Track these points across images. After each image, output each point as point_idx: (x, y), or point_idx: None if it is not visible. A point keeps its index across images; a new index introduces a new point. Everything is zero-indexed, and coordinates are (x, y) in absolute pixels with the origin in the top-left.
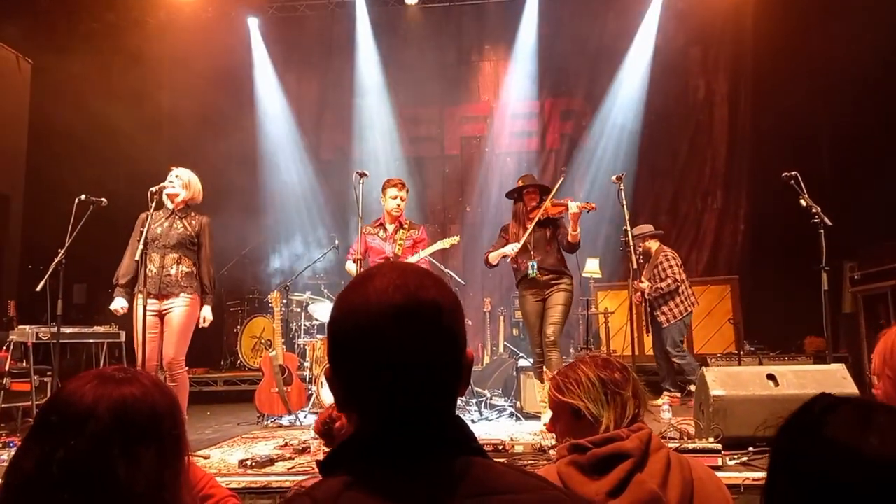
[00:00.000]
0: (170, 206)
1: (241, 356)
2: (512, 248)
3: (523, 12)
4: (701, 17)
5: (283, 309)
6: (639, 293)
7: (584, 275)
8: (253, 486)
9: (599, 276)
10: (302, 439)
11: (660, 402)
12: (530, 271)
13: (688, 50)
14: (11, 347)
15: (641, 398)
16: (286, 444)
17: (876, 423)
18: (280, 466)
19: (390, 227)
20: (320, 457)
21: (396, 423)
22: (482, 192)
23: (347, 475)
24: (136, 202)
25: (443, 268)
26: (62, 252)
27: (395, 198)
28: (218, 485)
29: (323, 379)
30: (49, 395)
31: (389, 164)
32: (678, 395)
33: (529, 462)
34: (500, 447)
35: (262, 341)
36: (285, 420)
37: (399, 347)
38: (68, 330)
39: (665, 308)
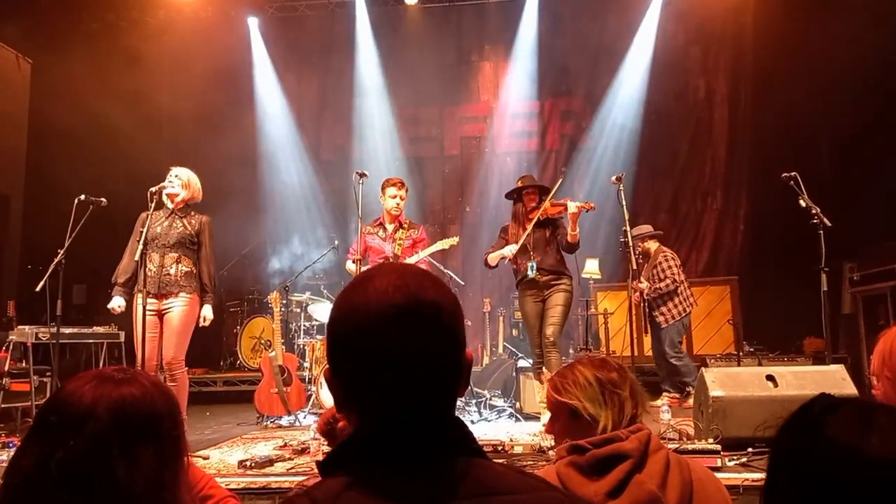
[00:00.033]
0: (170, 205)
1: (240, 356)
2: (510, 250)
3: (523, 12)
4: (701, 16)
5: (283, 309)
6: (637, 293)
7: (583, 275)
8: (252, 486)
9: (599, 276)
10: (301, 440)
11: (659, 402)
12: (530, 272)
13: (688, 49)
14: (11, 347)
15: (639, 398)
16: (285, 445)
17: (876, 424)
18: (279, 467)
19: (390, 227)
20: (320, 457)
21: (396, 422)
22: (482, 192)
23: (347, 475)
24: (135, 202)
25: (442, 268)
26: (62, 252)
27: (395, 197)
28: (217, 485)
29: (322, 379)
30: (48, 395)
31: (389, 164)
32: (677, 395)
33: (529, 463)
34: (500, 448)
35: (262, 342)
36: (285, 420)
37: (399, 347)
38: (68, 330)
39: (664, 308)
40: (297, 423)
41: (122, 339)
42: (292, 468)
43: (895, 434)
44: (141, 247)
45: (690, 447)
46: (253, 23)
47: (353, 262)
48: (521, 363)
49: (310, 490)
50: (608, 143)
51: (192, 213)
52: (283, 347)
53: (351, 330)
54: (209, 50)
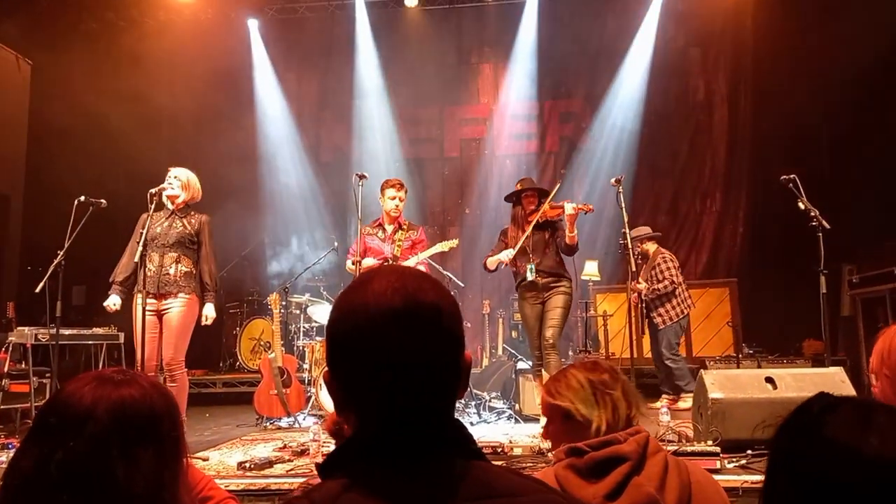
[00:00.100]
0: (170, 206)
1: (240, 358)
2: (507, 255)
3: (523, 14)
4: (701, 17)
5: (282, 311)
6: (636, 294)
7: (582, 277)
8: (252, 488)
9: (598, 278)
10: (301, 441)
11: (658, 404)
12: (529, 274)
13: (687, 50)
14: (10, 349)
15: (633, 398)
16: (285, 447)
17: (876, 423)
18: (279, 468)
19: (389, 228)
20: (319, 459)
21: (396, 423)
22: (481, 194)
23: (346, 477)
24: (135, 203)
25: (441, 270)
26: (61, 253)
27: (394, 198)
28: (217, 487)
29: (322, 381)
30: (48, 396)
31: (389, 165)
32: (676, 397)
33: (528, 464)
34: (499, 449)
35: (262, 343)
36: (284, 422)
37: (399, 348)
38: (67, 331)
39: (661, 310)
40: (297, 425)
41: (122, 340)
42: (292, 470)
43: (894, 434)
44: (140, 248)
45: (690, 449)
46: (253, 24)
47: (354, 263)
48: (521, 365)
49: (309, 492)
50: (608, 145)
51: (192, 213)
52: (283, 349)
53: (350, 331)
54: (209, 51)
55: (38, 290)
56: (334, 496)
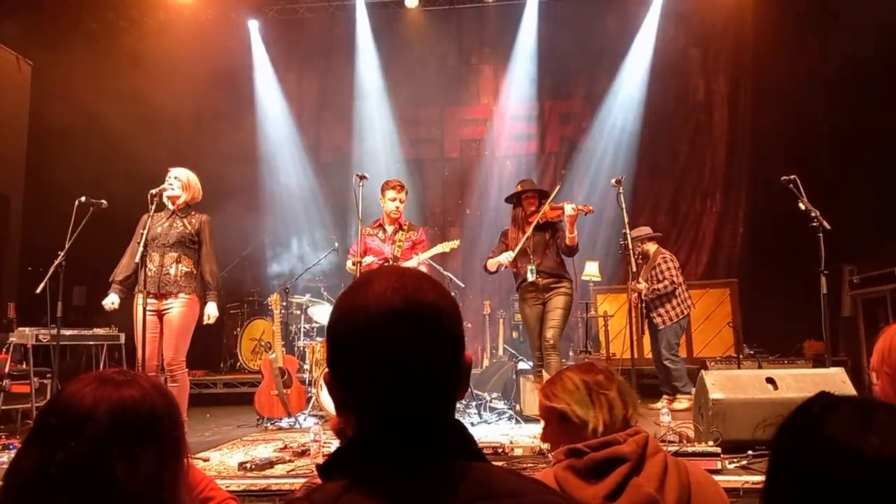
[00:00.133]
0: (171, 207)
1: (240, 358)
2: (506, 257)
3: (523, 15)
4: (701, 17)
5: (283, 311)
6: (636, 294)
7: (583, 278)
8: (252, 488)
9: (599, 279)
10: (301, 442)
11: (659, 405)
12: (529, 275)
13: (687, 51)
14: (11, 349)
15: (628, 398)
16: (286, 447)
17: (876, 423)
18: (279, 469)
19: (389, 229)
20: (320, 459)
21: (396, 423)
22: (482, 194)
23: (347, 478)
24: (136, 203)
25: (442, 270)
26: (62, 254)
27: (394, 200)
28: (217, 487)
29: (323, 382)
30: (49, 397)
31: (389, 165)
32: (672, 398)
33: (529, 465)
34: (500, 450)
35: (262, 344)
36: (285, 422)
37: (399, 348)
38: (68, 332)
39: (661, 310)
40: (297, 426)
41: (123, 340)
42: (292, 470)
43: (895, 433)
44: (141, 248)
45: (690, 450)
46: (253, 25)
47: (354, 263)
48: (521, 365)
49: (310, 493)
50: (608, 145)
51: (193, 213)
52: (284, 349)
53: (350, 331)
54: (209, 51)
55: (38, 291)
56: (334, 497)
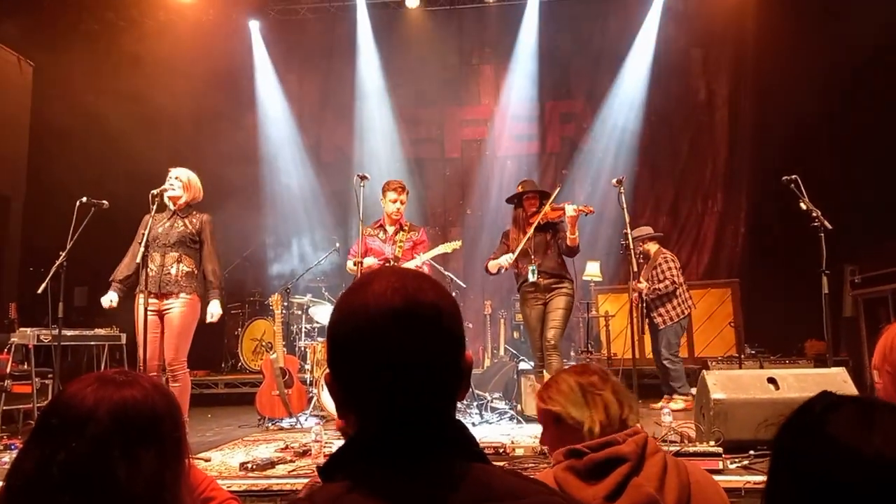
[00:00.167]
0: (172, 207)
1: (241, 359)
2: (506, 260)
3: (524, 15)
4: (702, 18)
5: (284, 311)
6: (636, 293)
7: (584, 278)
8: (254, 488)
9: (600, 279)
10: (302, 442)
11: (660, 405)
12: (531, 275)
13: (689, 51)
14: (13, 349)
15: (625, 398)
16: (287, 447)
17: (878, 422)
18: (281, 469)
19: (390, 229)
20: (321, 460)
21: (396, 423)
22: (483, 195)
23: (347, 479)
24: (137, 204)
25: (443, 270)
26: (63, 255)
27: (395, 202)
28: (219, 487)
29: (324, 382)
30: (50, 397)
31: (390, 165)
32: (669, 398)
33: (530, 465)
34: (501, 450)
35: (263, 344)
36: (286, 423)
37: (399, 347)
38: (69, 332)
39: (662, 310)
40: (299, 426)
41: (124, 340)
42: (294, 470)
43: None
44: (142, 249)
45: (692, 450)
46: (254, 26)
47: (355, 264)
48: (523, 365)
49: (311, 494)
50: (609, 146)
51: (193, 213)
52: (285, 349)
53: (350, 332)
54: (210, 52)
55: (40, 291)
56: (336, 498)
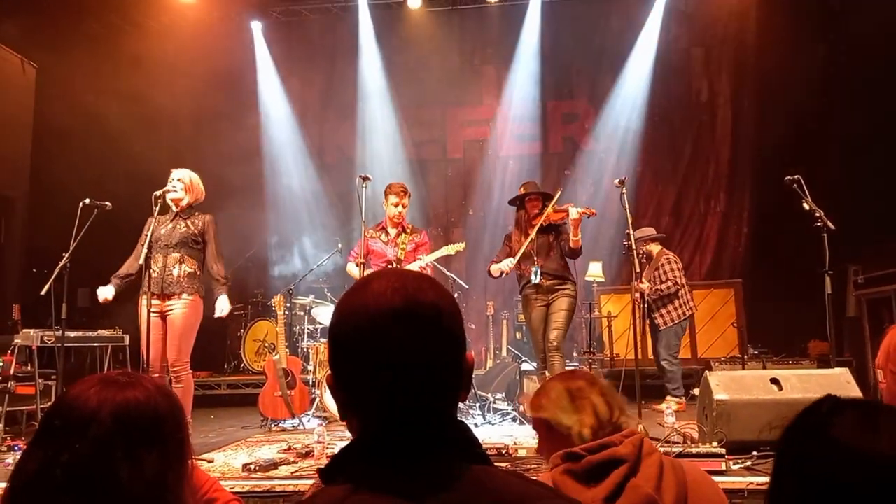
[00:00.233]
0: (174, 208)
1: (244, 360)
2: (507, 265)
3: (526, 15)
4: (704, 18)
5: (287, 312)
6: (638, 294)
7: (586, 278)
8: (257, 490)
9: (602, 279)
10: (305, 443)
11: (663, 405)
12: (534, 277)
13: (691, 51)
14: (16, 351)
15: (614, 400)
16: (290, 448)
17: (883, 425)
18: (284, 470)
19: (392, 231)
20: (324, 461)
21: (396, 423)
22: (485, 195)
23: (349, 480)
24: (140, 205)
25: (446, 271)
26: (66, 256)
27: (397, 205)
28: (222, 488)
29: (326, 384)
30: (53, 398)
31: (392, 166)
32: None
33: (532, 466)
34: (504, 451)
35: (266, 345)
36: (289, 424)
37: (399, 347)
38: (72, 334)
39: (663, 311)
40: (301, 427)
41: (127, 342)
42: (296, 471)
43: None
44: (145, 251)
45: (695, 451)
46: (256, 26)
47: (357, 265)
48: (525, 366)
49: (312, 497)
50: (611, 146)
51: (196, 214)
52: (287, 351)
53: (351, 332)
54: (212, 53)
55: (43, 293)
56: (338, 501)
